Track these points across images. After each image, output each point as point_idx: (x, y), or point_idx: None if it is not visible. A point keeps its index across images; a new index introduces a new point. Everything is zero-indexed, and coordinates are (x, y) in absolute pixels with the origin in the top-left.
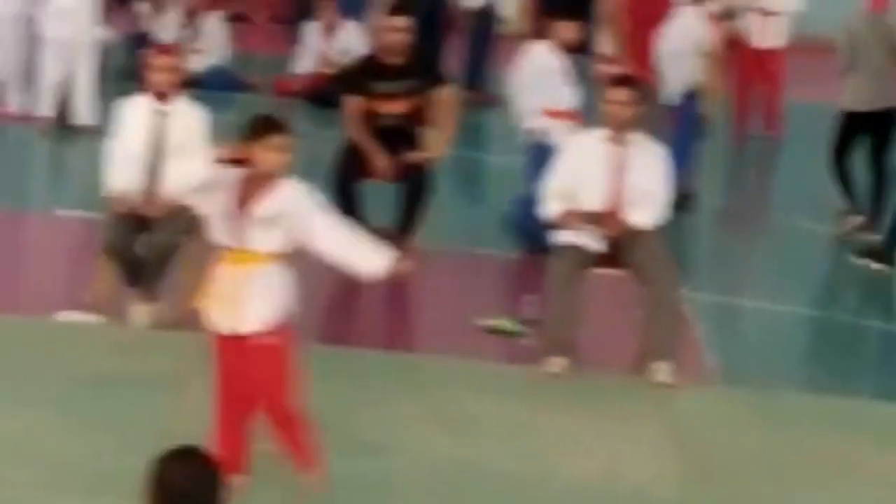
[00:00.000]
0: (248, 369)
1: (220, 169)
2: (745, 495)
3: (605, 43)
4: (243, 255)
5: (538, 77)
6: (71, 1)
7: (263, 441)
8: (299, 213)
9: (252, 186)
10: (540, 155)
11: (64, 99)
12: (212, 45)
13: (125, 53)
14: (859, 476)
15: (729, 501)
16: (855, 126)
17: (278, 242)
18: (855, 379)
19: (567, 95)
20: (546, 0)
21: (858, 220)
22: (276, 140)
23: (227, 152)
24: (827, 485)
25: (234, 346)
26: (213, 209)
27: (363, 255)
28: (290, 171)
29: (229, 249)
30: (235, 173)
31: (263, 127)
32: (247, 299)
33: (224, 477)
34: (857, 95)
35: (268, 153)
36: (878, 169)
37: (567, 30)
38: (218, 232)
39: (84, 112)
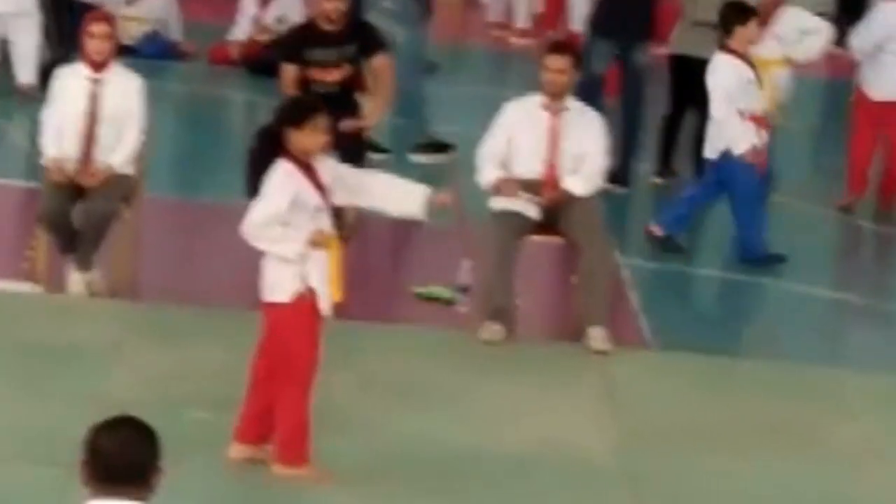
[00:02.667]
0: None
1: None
2: (683, 460)
3: None
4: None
5: (738, 88)
6: None
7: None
8: (343, 177)
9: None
10: (730, 171)
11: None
12: (153, 13)
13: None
14: (794, 440)
15: (666, 466)
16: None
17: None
18: (789, 344)
19: (759, 100)
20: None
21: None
22: (321, 121)
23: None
24: (762, 449)
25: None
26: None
27: (405, 197)
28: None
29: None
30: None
31: (309, 110)
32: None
33: (157, 445)
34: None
35: (316, 135)
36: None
37: (749, 33)
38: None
39: (26, 73)
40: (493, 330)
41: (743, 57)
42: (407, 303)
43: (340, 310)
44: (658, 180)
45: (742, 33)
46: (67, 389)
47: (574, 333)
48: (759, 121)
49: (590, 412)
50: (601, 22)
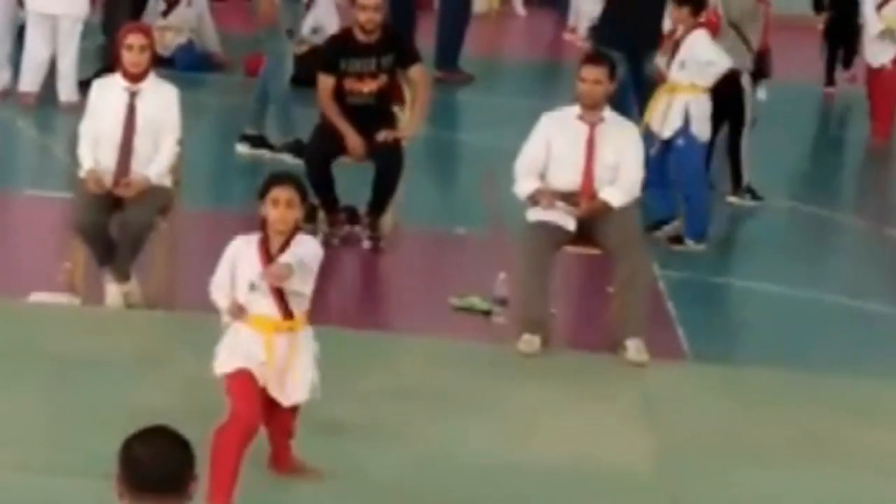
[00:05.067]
0: (276, 414)
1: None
2: (720, 472)
3: None
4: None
5: None
6: None
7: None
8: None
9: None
10: None
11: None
12: (188, 23)
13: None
14: (833, 452)
15: (703, 478)
16: None
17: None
18: (827, 355)
19: None
20: None
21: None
22: (277, 194)
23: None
24: (800, 460)
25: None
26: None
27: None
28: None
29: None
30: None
31: (272, 182)
32: (296, 369)
33: (191, 452)
34: None
35: (274, 209)
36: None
37: None
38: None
39: (67, 90)
40: (529, 341)
41: None
42: (444, 314)
43: (376, 321)
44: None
45: None
46: (104, 400)
47: (611, 345)
48: None
49: (627, 424)
50: (607, 32)
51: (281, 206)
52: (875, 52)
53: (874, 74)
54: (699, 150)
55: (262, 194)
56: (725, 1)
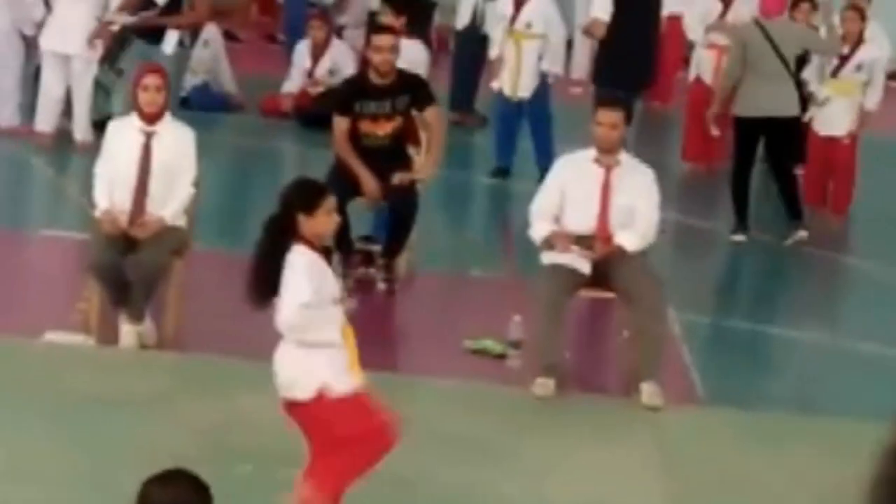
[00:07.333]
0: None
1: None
2: None
3: None
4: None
5: None
6: (69, 14)
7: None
8: None
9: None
10: None
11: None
12: (203, 65)
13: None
14: (847, 496)
15: None
16: (749, 133)
17: None
18: (840, 399)
19: None
20: None
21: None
22: (332, 202)
23: None
24: None
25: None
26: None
27: None
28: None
29: None
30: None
31: (318, 193)
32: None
33: (209, 497)
34: (751, 102)
35: (329, 219)
36: (781, 175)
37: None
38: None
39: (82, 130)
40: (544, 385)
41: None
42: (458, 357)
43: (390, 363)
44: (739, 237)
45: None
46: (118, 441)
47: (626, 388)
48: None
49: (641, 468)
50: (607, 72)
51: (333, 216)
52: (824, 121)
53: (821, 144)
54: None
55: (312, 207)
56: (780, 43)
